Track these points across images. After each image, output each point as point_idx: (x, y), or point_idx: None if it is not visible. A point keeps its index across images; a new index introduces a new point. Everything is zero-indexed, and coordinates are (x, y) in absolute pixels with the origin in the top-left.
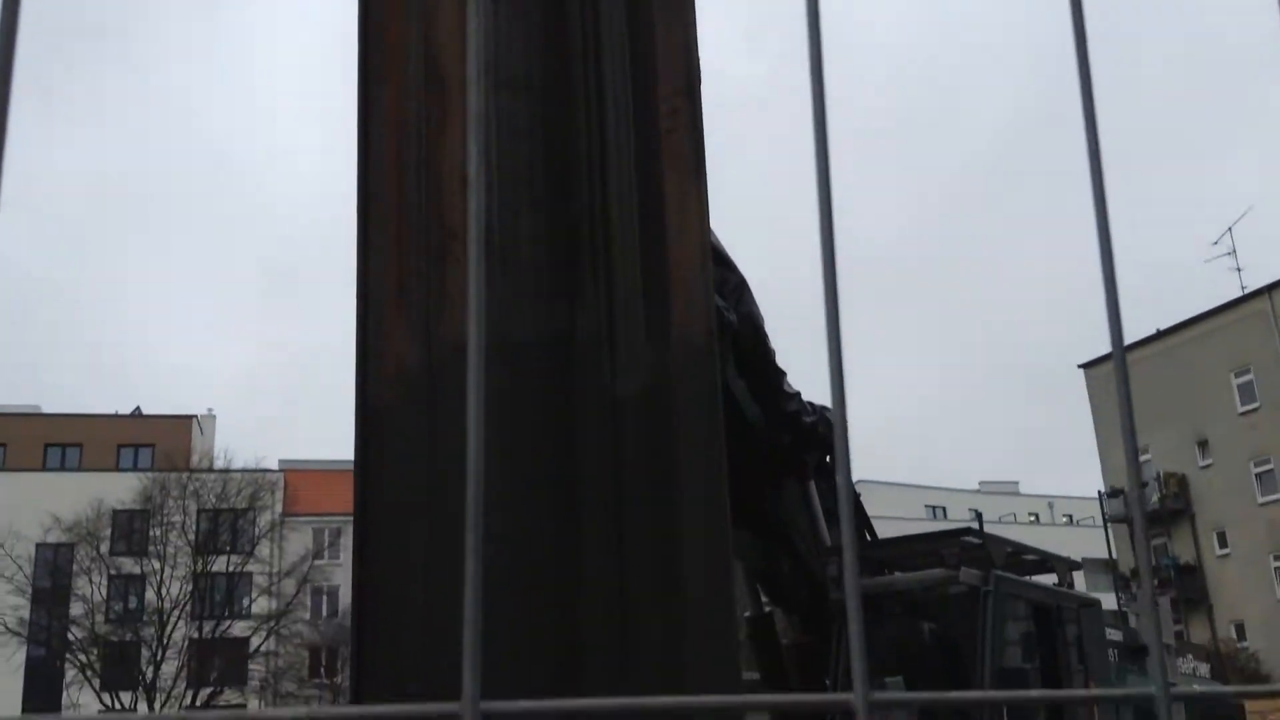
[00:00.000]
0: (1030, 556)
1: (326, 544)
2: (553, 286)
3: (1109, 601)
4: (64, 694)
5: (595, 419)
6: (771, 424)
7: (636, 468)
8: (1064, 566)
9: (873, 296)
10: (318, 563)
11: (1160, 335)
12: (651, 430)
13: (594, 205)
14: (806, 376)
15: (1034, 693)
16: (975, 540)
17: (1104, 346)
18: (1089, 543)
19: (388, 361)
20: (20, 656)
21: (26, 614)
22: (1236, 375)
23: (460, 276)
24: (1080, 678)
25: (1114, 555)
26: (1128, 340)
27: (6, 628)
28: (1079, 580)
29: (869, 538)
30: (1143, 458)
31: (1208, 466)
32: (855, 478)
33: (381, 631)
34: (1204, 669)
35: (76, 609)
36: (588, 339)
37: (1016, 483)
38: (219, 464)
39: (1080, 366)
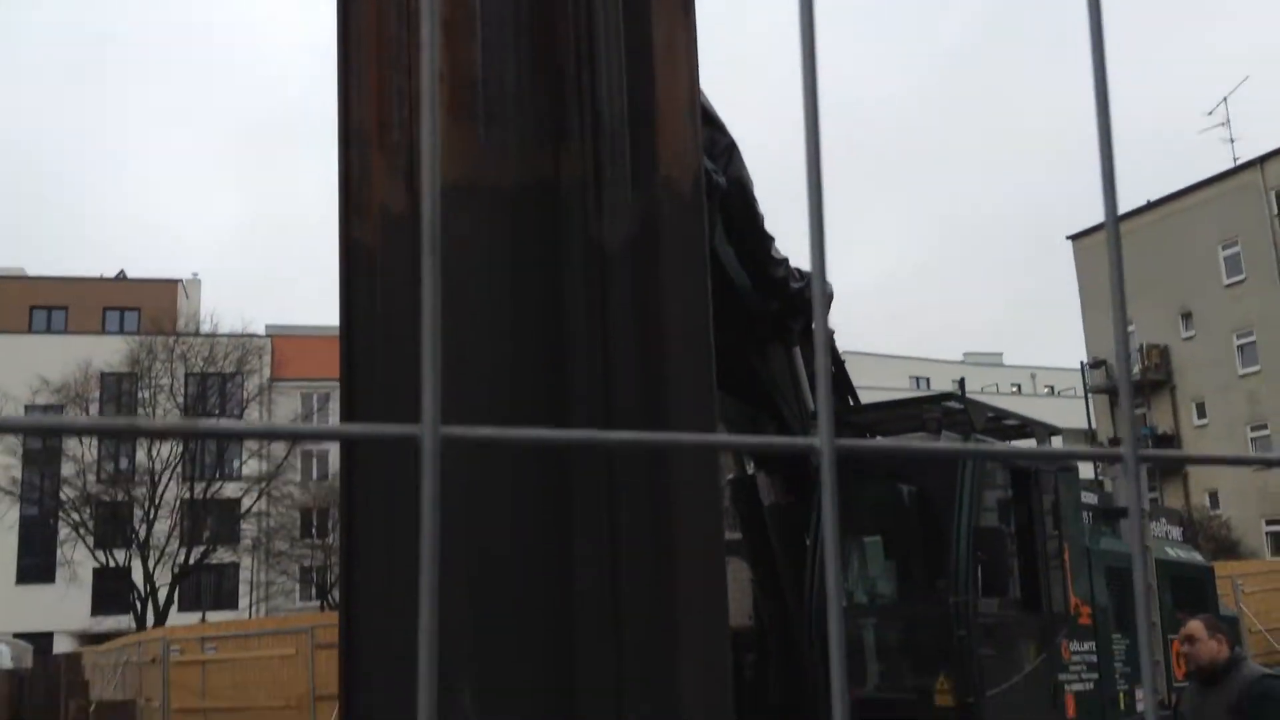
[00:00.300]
0: (1010, 421)
1: (315, 408)
2: (538, 132)
3: (1086, 471)
4: (58, 551)
5: (582, 268)
6: (759, 289)
7: (623, 318)
8: (1044, 431)
9: (863, 163)
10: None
11: (1150, 206)
12: (638, 281)
13: (580, 48)
14: (795, 242)
15: (999, 448)
16: (957, 405)
17: (1093, 218)
18: (1070, 413)
19: (371, 207)
20: (14, 515)
21: (19, 474)
22: (1224, 247)
23: (446, 120)
24: (1055, 540)
25: (1093, 425)
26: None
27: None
28: (1057, 446)
29: (851, 402)
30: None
31: (1190, 338)
32: (840, 349)
33: (372, 472)
34: (1176, 532)
35: (68, 469)
36: (573, 186)
37: (1000, 354)
38: (205, 328)
39: (1069, 238)
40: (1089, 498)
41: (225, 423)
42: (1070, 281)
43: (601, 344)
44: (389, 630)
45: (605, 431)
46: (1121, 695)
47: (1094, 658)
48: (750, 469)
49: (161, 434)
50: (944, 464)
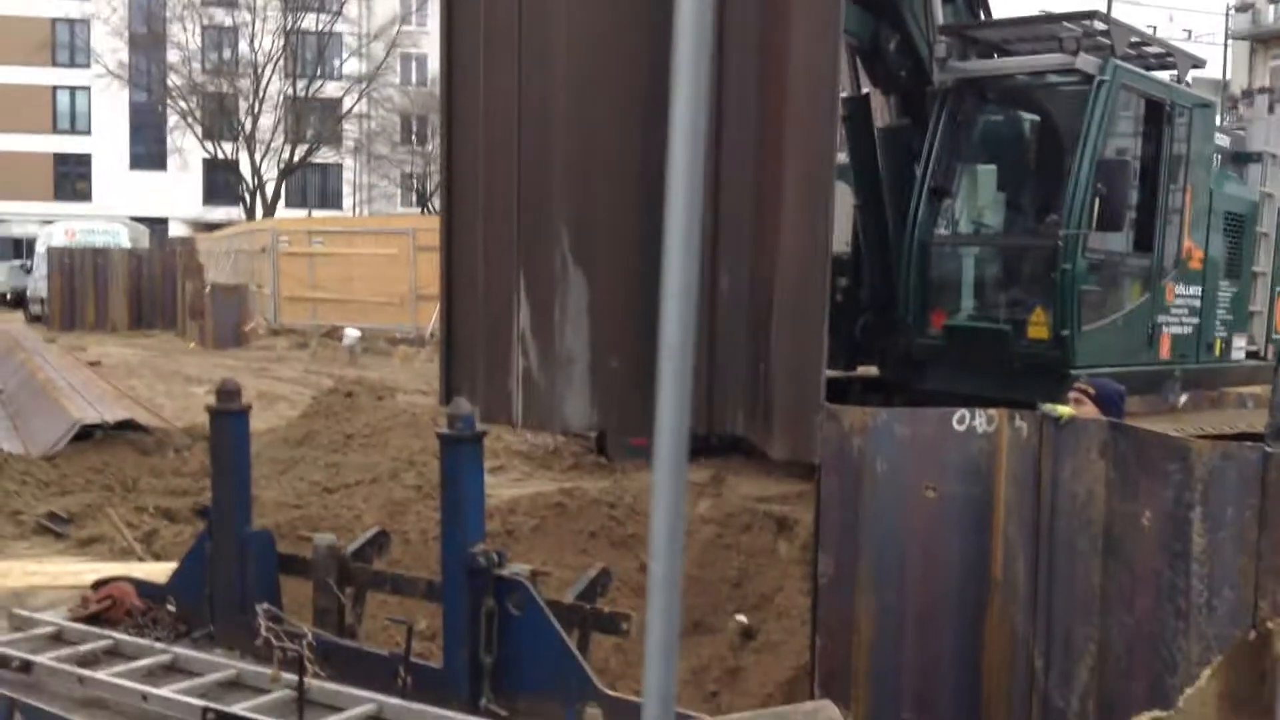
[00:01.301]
0: (1153, 49)
1: (414, 8)
2: None
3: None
4: (168, 139)
5: None
6: None
7: None
8: (1187, 63)
9: None
10: (406, 28)
11: None
12: None
13: None
14: None
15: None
16: (1099, 25)
17: None
18: (1207, 60)
19: None
20: (124, 99)
21: (125, 56)
22: None
23: None
24: (1180, 179)
25: (1228, 76)
26: None
27: (107, 69)
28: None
29: (982, 14)
30: None
31: None
32: None
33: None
34: None
35: (173, 56)
36: None
37: None
38: None
39: None
40: (1221, 140)
41: None
42: None
43: None
44: (491, 304)
45: None
46: (1219, 341)
47: (1197, 302)
48: (865, 88)
49: None
50: (1074, 97)
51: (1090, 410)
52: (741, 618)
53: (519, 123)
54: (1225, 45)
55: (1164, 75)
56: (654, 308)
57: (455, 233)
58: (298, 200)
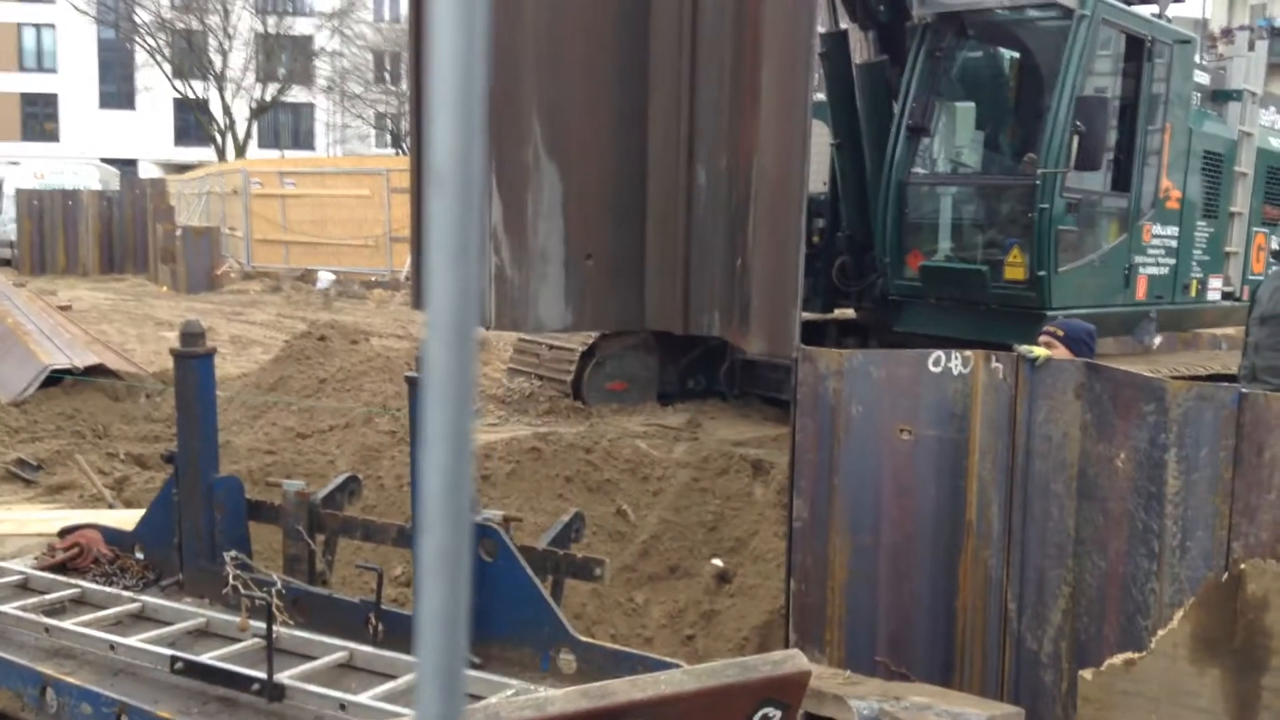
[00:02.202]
0: None
1: None
2: None
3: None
4: (134, 76)
5: None
6: None
7: None
8: None
9: None
10: None
11: None
12: None
13: None
14: None
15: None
16: None
17: None
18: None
19: None
20: (91, 36)
21: None
22: None
23: None
24: (1161, 114)
25: (1207, 14)
26: None
27: (73, 5)
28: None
29: None
30: None
31: None
32: None
33: None
34: None
35: None
36: None
37: None
38: None
39: None
40: (1200, 77)
41: None
42: None
43: None
44: None
45: None
46: (1195, 282)
47: (1174, 243)
48: (843, 24)
49: None
50: (1053, 32)
51: (1061, 352)
52: (717, 562)
53: (489, 8)
54: None
55: (1144, 10)
56: (630, 201)
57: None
58: (270, 141)
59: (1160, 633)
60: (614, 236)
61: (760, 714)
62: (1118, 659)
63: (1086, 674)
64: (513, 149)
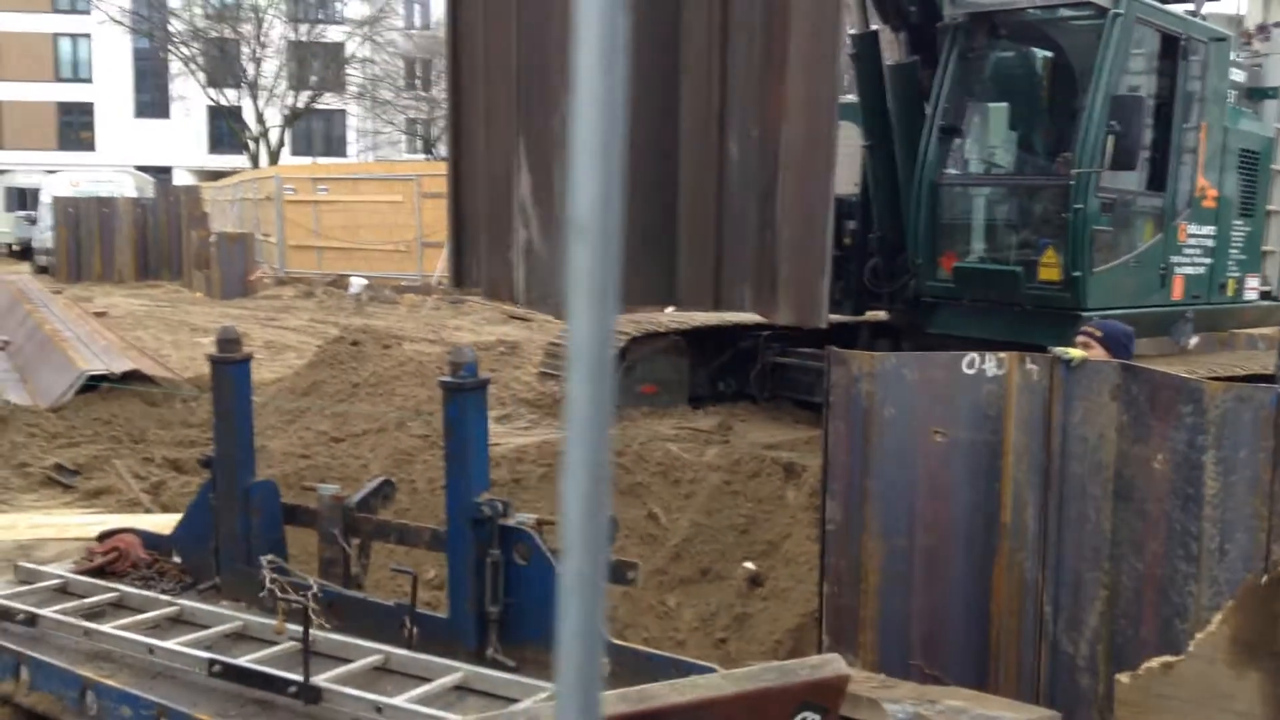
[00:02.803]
0: None
1: None
2: None
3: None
4: (169, 85)
5: None
6: None
7: None
8: None
9: None
10: None
11: None
12: None
13: None
14: None
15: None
16: None
17: None
18: None
19: None
20: (126, 46)
21: (126, 1)
22: None
23: None
24: (1197, 112)
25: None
26: None
27: (108, 15)
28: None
29: None
30: None
31: None
32: None
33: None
34: None
35: (174, 0)
36: None
37: None
38: None
39: None
40: (1236, 75)
41: None
42: None
43: None
44: (493, 174)
45: None
46: (1232, 281)
47: (1211, 242)
48: (874, 25)
49: None
50: (1087, 31)
51: (1098, 353)
52: (749, 565)
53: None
54: None
55: (1179, 8)
56: (660, 171)
57: (462, 102)
58: (303, 148)
59: (1198, 636)
60: (644, 209)
61: (799, 718)
62: (1155, 662)
63: (1123, 677)
64: (541, 119)
